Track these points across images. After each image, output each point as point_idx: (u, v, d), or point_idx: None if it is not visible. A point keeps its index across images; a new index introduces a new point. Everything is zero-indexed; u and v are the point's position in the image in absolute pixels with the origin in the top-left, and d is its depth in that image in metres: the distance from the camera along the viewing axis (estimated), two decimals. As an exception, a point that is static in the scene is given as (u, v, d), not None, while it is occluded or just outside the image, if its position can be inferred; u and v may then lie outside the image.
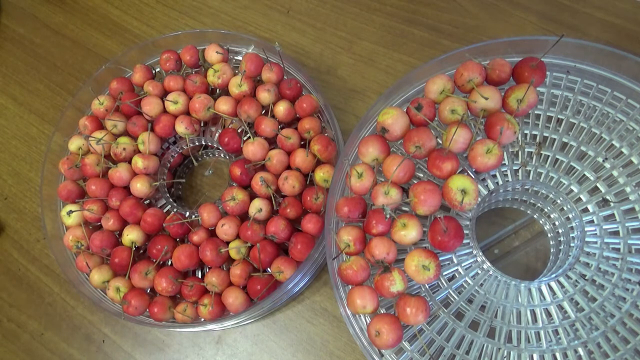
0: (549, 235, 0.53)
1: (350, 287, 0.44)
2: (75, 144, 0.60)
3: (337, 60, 0.67)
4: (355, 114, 0.64)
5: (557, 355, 0.41)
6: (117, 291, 0.53)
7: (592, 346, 0.41)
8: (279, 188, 0.54)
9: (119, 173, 0.56)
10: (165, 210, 0.59)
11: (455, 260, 0.45)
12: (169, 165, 0.62)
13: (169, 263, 0.56)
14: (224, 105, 0.57)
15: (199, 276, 0.56)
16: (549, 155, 0.47)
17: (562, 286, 0.43)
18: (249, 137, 0.54)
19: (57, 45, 0.77)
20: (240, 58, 0.63)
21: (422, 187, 0.42)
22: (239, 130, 0.57)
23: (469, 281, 0.45)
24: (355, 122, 0.63)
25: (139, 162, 0.56)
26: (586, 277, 0.43)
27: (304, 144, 0.56)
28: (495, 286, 0.44)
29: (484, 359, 0.42)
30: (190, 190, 0.65)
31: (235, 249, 0.52)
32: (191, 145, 0.61)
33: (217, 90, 0.61)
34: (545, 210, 0.52)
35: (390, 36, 0.67)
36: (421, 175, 0.49)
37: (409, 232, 0.42)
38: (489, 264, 0.45)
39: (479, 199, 0.46)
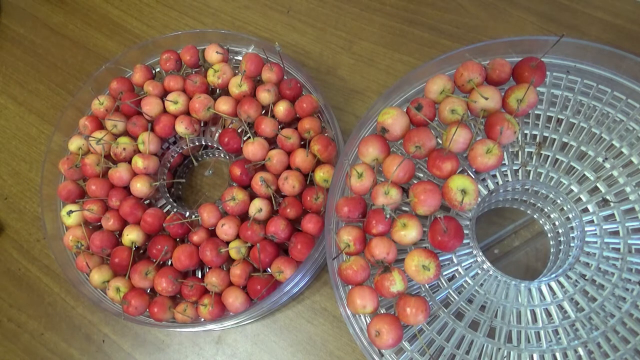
0: (549, 235, 0.53)
1: (350, 287, 0.44)
2: (75, 144, 0.60)
3: (337, 60, 0.67)
4: (355, 114, 0.64)
5: (557, 355, 0.41)
6: (117, 291, 0.53)
7: (592, 346, 0.41)
8: (279, 188, 0.54)
9: (119, 173, 0.56)
10: (165, 210, 0.59)
11: (455, 260, 0.45)
12: (169, 165, 0.62)
13: (169, 263, 0.56)
14: (224, 105, 0.57)
15: (199, 276, 0.56)
16: (549, 155, 0.47)
17: (562, 286, 0.43)
18: (249, 137, 0.54)
19: (57, 45, 0.77)
20: (240, 58, 0.63)
21: (422, 187, 0.42)
22: (239, 130, 0.57)
23: (469, 281, 0.45)
24: (355, 122, 0.63)
25: (139, 162, 0.56)
26: (586, 277, 0.43)
27: (304, 144, 0.56)
28: (495, 286, 0.44)
29: (484, 359, 0.42)
30: (190, 190, 0.65)
31: (235, 249, 0.52)
32: (191, 145, 0.61)
33: (217, 90, 0.61)
34: (545, 210, 0.52)
35: (390, 36, 0.67)
36: (421, 175, 0.49)
37: (409, 232, 0.42)
38: (489, 264, 0.45)
39: (479, 199, 0.46)
